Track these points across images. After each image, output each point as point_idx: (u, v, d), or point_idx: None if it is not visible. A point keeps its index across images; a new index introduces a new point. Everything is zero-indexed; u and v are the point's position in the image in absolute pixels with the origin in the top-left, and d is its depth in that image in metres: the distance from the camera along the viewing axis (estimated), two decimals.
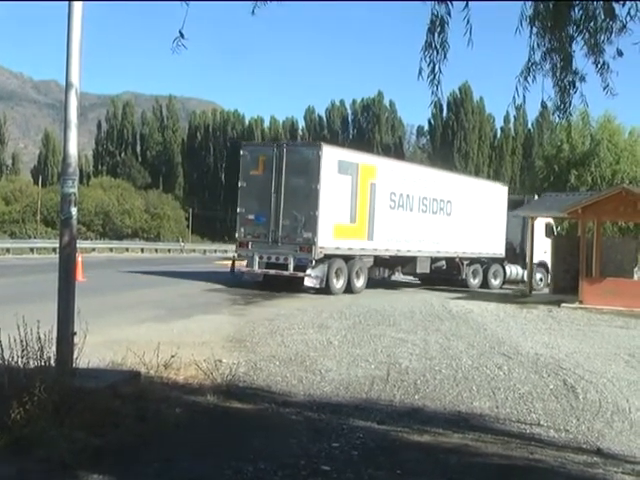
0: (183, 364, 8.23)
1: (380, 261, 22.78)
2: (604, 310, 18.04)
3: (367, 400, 7.65)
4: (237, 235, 21.44)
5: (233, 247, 59.12)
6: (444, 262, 25.22)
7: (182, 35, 4.71)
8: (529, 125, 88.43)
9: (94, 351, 7.42)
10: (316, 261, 19.85)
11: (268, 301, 17.85)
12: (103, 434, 5.38)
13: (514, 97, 5.03)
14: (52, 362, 6.16)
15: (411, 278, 26.28)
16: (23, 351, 5.96)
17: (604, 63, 4.95)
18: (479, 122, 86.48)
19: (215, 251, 61.45)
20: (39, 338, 6.05)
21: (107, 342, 9.27)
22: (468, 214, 25.05)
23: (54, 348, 6.27)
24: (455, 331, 13.39)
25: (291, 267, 19.87)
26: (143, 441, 5.52)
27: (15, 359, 5.91)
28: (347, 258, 20.91)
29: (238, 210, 21.11)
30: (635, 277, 22.92)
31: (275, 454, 5.49)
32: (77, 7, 6.50)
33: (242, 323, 13.33)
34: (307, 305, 16.94)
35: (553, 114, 5.43)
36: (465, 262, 25.59)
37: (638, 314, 17.35)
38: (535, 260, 24.81)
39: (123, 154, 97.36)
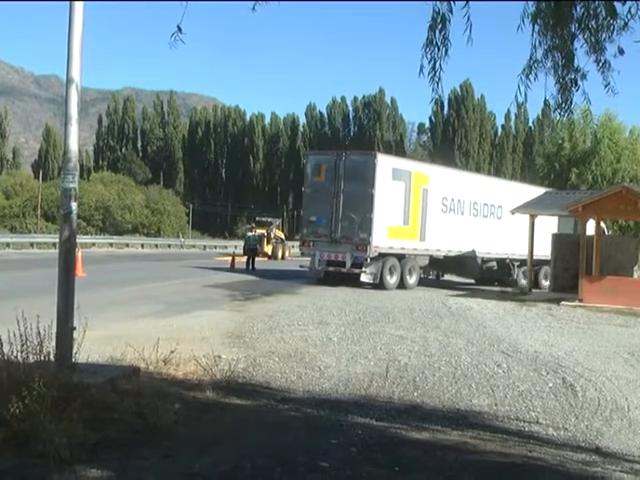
0: (182, 360, 8.22)
1: (433, 261, 24.11)
2: (604, 308, 18.02)
3: (366, 397, 7.65)
4: (300, 235, 23.64)
5: (233, 243, 58.78)
6: (495, 263, 26.07)
7: (180, 30, 4.70)
8: (530, 123, 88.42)
9: (93, 346, 7.43)
10: (371, 259, 21.30)
11: (268, 297, 17.85)
12: (102, 429, 5.38)
13: (516, 95, 5.05)
14: (51, 357, 6.17)
15: (464, 278, 26.79)
16: (22, 346, 5.96)
17: (605, 61, 4.95)
18: (480, 120, 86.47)
19: (215, 247, 61.44)
20: (38, 333, 6.05)
21: (106, 337, 9.27)
22: (518, 218, 25.24)
23: (53, 343, 6.28)
24: (454, 328, 13.37)
25: (348, 264, 21.38)
26: (142, 436, 5.52)
27: (14, 354, 5.91)
28: (400, 257, 22.29)
29: (302, 213, 23.29)
30: (635, 276, 22.94)
31: (274, 450, 5.50)
32: (78, 4, 6.51)
33: (241, 319, 13.32)
34: (307, 302, 16.92)
35: (554, 112, 5.43)
36: (515, 263, 26.25)
37: (638, 313, 17.33)
38: None
39: (124, 149, 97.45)
